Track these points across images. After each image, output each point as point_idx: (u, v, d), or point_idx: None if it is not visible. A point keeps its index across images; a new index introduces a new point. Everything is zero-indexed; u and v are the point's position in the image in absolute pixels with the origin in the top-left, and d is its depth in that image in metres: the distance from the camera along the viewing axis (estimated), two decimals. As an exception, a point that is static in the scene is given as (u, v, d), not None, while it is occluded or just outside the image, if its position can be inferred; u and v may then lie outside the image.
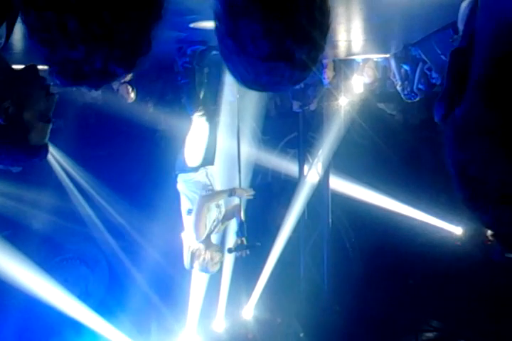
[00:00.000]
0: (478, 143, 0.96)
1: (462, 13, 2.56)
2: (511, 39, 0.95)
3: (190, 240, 4.90)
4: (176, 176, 5.09)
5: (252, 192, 5.30)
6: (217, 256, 4.92)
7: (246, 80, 1.28)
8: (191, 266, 4.96)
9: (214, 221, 5.03)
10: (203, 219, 4.81)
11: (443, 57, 4.62)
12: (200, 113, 4.99)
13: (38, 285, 6.32)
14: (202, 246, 4.88)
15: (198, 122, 5.02)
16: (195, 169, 5.04)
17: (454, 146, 1.01)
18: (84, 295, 7.25)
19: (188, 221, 4.91)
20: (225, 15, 1.20)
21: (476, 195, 0.97)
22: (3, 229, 6.71)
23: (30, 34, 1.14)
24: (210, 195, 5.02)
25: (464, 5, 2.48)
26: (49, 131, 1.64)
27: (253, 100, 7.24)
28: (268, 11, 1.16)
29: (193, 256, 4.89)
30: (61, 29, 1.09)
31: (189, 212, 4.87)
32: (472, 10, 1.09)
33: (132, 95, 6.19)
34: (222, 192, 5.16)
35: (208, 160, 5.14)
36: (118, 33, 1.12)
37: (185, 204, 4.99)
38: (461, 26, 2.45)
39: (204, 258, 4.84)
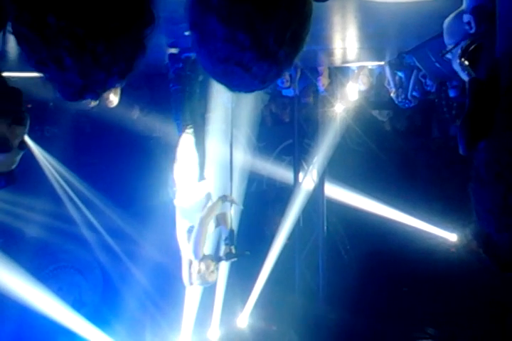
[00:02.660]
0: None
1: (448, 27, 2.56)
2: None
3: (189, 257, 4.85)
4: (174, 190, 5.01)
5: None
6: (211, 265, 4.87)
7: (214, 76, 1.24)
8: (191, 283, 4.89)
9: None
10: (203, 239, 4.76)
11: (437, 64, 4.63)
12: (189, 126, 4.87)
13: (31, 294, 6.27)
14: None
15: (187, 137, 4.91)
16: (191, 186, 4.96)
17: (488, 180, 0.98)
18: (78, 304, 7.20)
19: (185, 238, 4.84)
20: (195, 5, 1.16)
21: None
22: (-3, 237, 6.67)
23: (27, 60, 1.13)
24: (207, 213, 4.96)
25: (448, 19, 2.48)
26: (14, 159, 1.60)
27: (248, 107, 7.25)
28: (237, 18, 1.10)
29: (190, 271, 4.83)
30: (56, 63, 1.09)
31: (190, 230, 4.80)
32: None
33: (115, 101, 5.89)
34: (215, 204, 5.09)
35: (201, 175, 5.08)
36: (114, 64, 1.12)
37: (183, 222, 4.90)
38: (448, 40, 2.45)
39: (199, 270, 4.79)
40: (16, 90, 1.56)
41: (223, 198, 5.02)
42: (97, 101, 5.45)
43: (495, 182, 0.95)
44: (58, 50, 1.06)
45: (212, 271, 4.86)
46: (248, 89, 1.25)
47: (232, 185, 5.58)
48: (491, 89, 0.99)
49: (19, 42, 1.11)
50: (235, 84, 1.23)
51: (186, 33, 3.90)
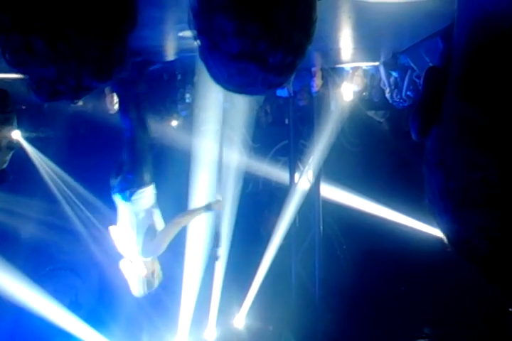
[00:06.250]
0: (459, 151, 0.96)
1: None
2: (487, 30, 0.93)
3: (137, 265, 4.66)
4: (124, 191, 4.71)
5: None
6: (157, 266, 4.81)
7: (220, 80, 1.23)
8: (145, 292, 4.81)
9: None
10: (168, 239, 4.62)
11: (431, 64, 4.65)
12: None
13: (27, 296, 6.26)
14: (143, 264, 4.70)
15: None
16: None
17: (433, 165, 1.01)
18: (75, 305, 7.19)
19: (133, 236, 4.62)
20: (199, 11, 1.17)
21: (460, 205, 0.96)
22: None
23: (2, 54, 1.13)
24: (187, 215, 4.88)
25: None
26: (3, 159, 1.61)
27: (243, 108, 7.26)
28: (243, 9, 1.11)
29: (140, 278, 4.69)
30: (29, 50, 1.08)
31: (139, 227, 4.61)
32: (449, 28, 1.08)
33: (116, 106, 6.00)
34: (198, 209, 5.00)
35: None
36: (86, 50, 1.11)
37: (129, 219, 4.67)
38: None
39: (146, 275, 4.70)
40: (3, 92, 1.57)
41: (208, 207, 4.93)
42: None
43: (438, 169, 0.99)
44: (30, 36, 1.07)
45: (158, 274, 4.77)
46: (264, 87, 1.24)
47: (221, 186, 5.51)
48: (445, 77, 1.01)
49: None
50: (249, 84, 1.22)
51: (180, 34, 3.88)
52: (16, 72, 1.14)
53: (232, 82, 1.22)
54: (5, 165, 1.64)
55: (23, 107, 6.36)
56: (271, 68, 1.16)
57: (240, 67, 1.16)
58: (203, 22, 1.16)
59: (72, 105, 6.59)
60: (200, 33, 1.18)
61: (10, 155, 1.63)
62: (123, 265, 4.76)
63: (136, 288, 4.75)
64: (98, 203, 7.63)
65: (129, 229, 4.65)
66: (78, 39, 1.09)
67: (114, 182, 4.70)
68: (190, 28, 1.20)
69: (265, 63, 1.15)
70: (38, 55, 1.09)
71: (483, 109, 0.92)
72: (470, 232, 0.96)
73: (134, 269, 4.69)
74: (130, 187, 4.64)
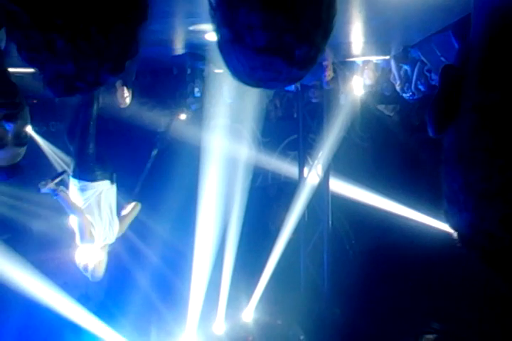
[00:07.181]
0: (478, 139, 0.93)
1: None
2: (506, 18, 0.91)
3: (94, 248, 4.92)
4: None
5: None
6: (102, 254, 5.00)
7: (240, 74, 1.21)
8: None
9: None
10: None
11: (443, 58, 4.62)
12: None
13: (37, 288, 6.31)
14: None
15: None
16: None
17: (452, 160, 1.00)
18: (84, 298, 7.23)
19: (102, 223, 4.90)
20: (220, 3, 1.14)
21: (482, 197, 0.93)
22: (3, 232, 6.70)
23: (18, 51, 1.12)
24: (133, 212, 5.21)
25: None
26: (12, 154, 1.60)
27: (253, 102, 7.24)
28: (271, 1, 1.09)
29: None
30: (49, 48, 1.07)
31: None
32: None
33: (127, 100, 5.99)
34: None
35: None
36: (107, 47, 1.11)
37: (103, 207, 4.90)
38: None
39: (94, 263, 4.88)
40: (12, 86, 1.56)
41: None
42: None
43: (458, 164, 0.97)
44: (51, 33, 1.06)
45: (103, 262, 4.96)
46: (286, 81, 1.22)
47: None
48: (462, 71, 1.00)
49: (11, 29, 1.10)
50: (272, 78, 1.20)
51: (191, 28, 3.88)
52: (30, 68, 1.14)
53: (254, 75, 1.19)
54: (19, 159, 1.64)
55: (34, 101, 6.39)
56: (296, 62, 1.15)
57: (265, 60, 1.14)
58: (224, 15, 1.14)
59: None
60: (222, 26, 1.15)
61: (19, 151, 1.63)
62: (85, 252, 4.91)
63: (101, 271, 4.96)
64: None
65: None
66: (100, 37, 1.08)
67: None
68: (211, 21, 1.18)
69: (291, 57, 1.13)
70: (57, 53, 1.08)
71: (504, 93, 0.89)
72: (493, 224, 0.92)
73: (97, 254, 4.93)
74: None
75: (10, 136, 1.61)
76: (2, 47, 1.45)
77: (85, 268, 4.89)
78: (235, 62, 1.18)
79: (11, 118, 1.57)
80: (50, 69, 1.12)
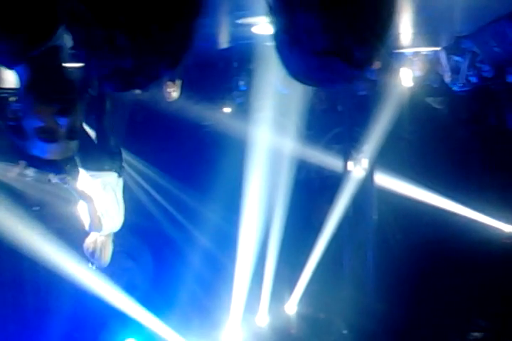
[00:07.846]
0: None
1: None
2: None
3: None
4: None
5: None
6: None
7: (298, 75, 1.23)
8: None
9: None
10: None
11: (496, 49, 4.48)
12: None
13: (87, 278, 6.48)
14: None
15: None
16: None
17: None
18: (131, 288, 7.39)
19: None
20: (280, 8, 1.16)
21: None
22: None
23: (75, 46, 1.15)
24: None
25: None
26: (64, 148, 1.63)
27: (297, 95, 7.20)
28: (330, 5, 1.10)
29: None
30: (109, 44, 1.10)
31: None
32: None
33: (174, 94, 5.92)
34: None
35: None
36: (166, 43, 1.13)
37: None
38: None
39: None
40: (67, 82, 1.59)
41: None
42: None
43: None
44: (113, 30, 1.08)
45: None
46: (345, 81, 1.25)
47: None
48: None
49: (72, 26, 1.13)
50: (331, 79, 1.22)
51: (239, 21, 3.87)
52: (83, 64, 1.16)
53: (312, 76, 1.21)
54: (71, 154, 1.68)
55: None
56: (354, 63, 1.16)
57: (324, 62, 1.15)
58: (282, 18, 1.15)
59: (131, 94, 6.72)
60: (280, 29, 1.17)
61: (72, 145, 1.66)
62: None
63: (107, 258, 5.04)
64: (155, 186, 7.81)
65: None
66: (161, 34, 1.11)
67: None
68: (270, 24, 1.20)
69: (350, 58, 1.15)
70: (118, 49, 1.10)
71: None
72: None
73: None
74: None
75: (63, 130, 1.64)
76: (61, 44, 1.48)
77: (92, 255, 5.02)
78: (293, 64, 1.20)
79: (64, 113, 1.61)
80: (109, 65, 1.14)
